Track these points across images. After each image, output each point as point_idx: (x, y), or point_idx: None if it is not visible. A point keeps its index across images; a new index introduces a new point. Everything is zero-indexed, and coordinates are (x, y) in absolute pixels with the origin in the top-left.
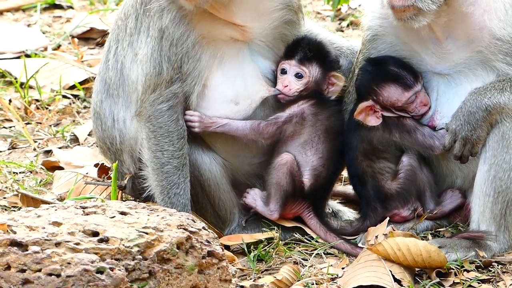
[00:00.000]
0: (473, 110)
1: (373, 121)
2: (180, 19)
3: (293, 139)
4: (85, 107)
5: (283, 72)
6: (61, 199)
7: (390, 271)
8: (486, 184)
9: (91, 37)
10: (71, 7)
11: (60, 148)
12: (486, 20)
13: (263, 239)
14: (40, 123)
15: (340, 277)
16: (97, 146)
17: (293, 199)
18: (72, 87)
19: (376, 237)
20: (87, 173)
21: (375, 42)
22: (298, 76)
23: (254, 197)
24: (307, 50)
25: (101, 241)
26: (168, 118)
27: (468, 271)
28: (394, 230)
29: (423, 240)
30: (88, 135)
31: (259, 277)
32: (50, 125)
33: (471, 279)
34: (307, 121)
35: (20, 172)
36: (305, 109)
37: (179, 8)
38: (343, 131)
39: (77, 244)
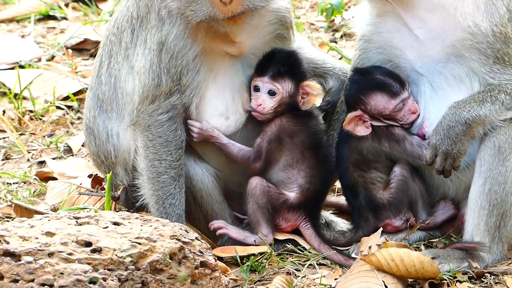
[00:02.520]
0: (452, 124)
1: (362, 131)
2: (182, 32)
3: (274, 165)
4: (78, 118)
5: (256, 89)
6: (54, 209)
7: (383, 282)
8: (481, 198)
9: (85, 48)
10: (65, 18)
11: (53, 158)
12: (458, 13)
13: (256, 253)
14: (34, 134)
15: (333, 287)
16: (88, 160)
17: (282, 214)
18: (66, 98)
19: (369, 247)
20: (80, 184)
21: (364, 49)
22: (271, 93)
23: (239, 232)
24: (279, 65)
25: (94, 251)
26: (167, 128)
27: (460, 282)
28: (387, 241)
29: (416, 250)
30: (82, 146)
31: None
32: (44, 136)
33: None
34: (285, 145)
35: (13, 183)
36: (280, 132)
37: (182, 20)
38: (326, 139)
39: (70, 254)
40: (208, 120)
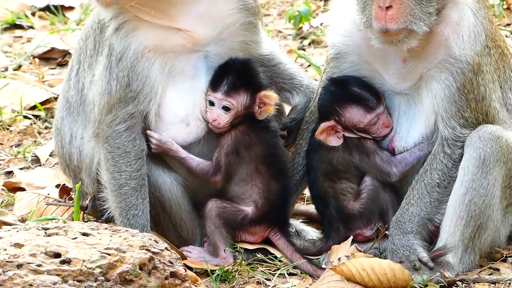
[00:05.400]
0: (404, 242)
1: (334, 141)
2: (119, 31)
3: (235, 177)
4: (46, 128)
5: (211, 103)
6: (22, 220)
7: None
8: (460, 207)
9: (52, 57)
10: (31, 27)
11: (21, 169)
12: (450, 38)
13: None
14: (1, 144)
15: None
16: (53, 168)
17: (245, 229)
18: (33, 107)
19: (339, 259)
20: (48, 194)
21: (338, 60)
22: (226, 108)
23: (200, 255)
24: (233, 79)
25: (63, 262)
26: (125, 138)
27: None
28: (358, 249)
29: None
30: (50, 155)
31: None
32: (11, 146)
33: None
34: (242, 158)
35: None
36: (237, 144)
37: (116, 18)
38: (282, 149)
39: (39, 265)
40: (169, 128)
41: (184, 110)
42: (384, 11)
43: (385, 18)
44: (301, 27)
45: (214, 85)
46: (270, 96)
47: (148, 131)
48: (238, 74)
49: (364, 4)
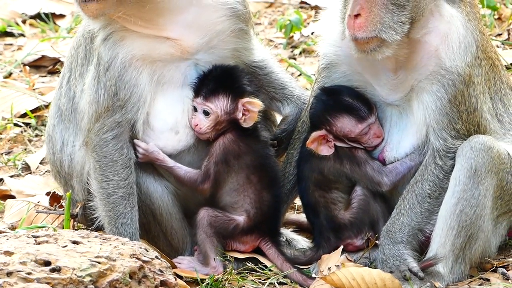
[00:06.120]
0: (394, 252)
1: (325, 150)
2: (107, 41)
3: (224, 186)
4: (36, 135)
5: (195, 109)
6: (12, 228)
7: None
8: (451, 218)
9: (43, 65)
10: (22, 35)
11: (11, 176)
12: (440, 49)
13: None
14: None
15: None
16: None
17: (237, 238)
18: (24, 115)
19: (329, 268)
20: (38, 202)
21: (329, 70)
22: (205, 113)
23: (190, 264)
24: (211, 83)
25: (53, 270)
26: (112, 147)
27: None
28: (348, 259)
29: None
30: (40, 163)
31: None
32: (2, 154)
33: None
34: (232, 167)
35: None
36: (226, 152)
37: (105, 28)
38: (273, 159)
39: (29, 273)
40: (159, 136)
41: (173, 118)
42: (353, 19)
43: (354, 26)
44: (292, 36)
45: (195, 90)
46: (254, 103)
47: (135, 140)
48: (218, 79)
49: (343, 14)
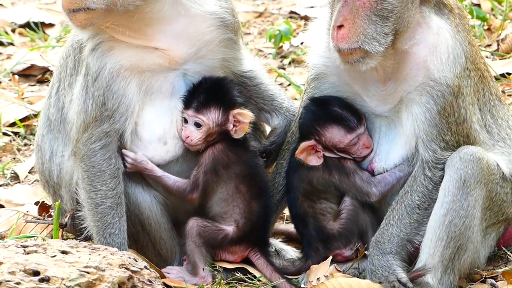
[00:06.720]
0: (383, 263)
1: (314, 161)
2: (95, 51)
3: (213, 196)
4: (25, 145)
5: (185, 121)
6: (1, 237)
7: None
8: (441, 228)
9: (32, 74)
10: (11, 44)
11: (0, 185)
12: (428, 60)
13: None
14: None
15: None
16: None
17: (226, 249)
18: (13, 124)
19: (318, 278)
20: (27, 211)
21: (318, 81)
22: (197, 125)
23: (179, 274)
24: (202, 95)
25: (42, 280)
26: (100, 157)
27: None
28: (337, 269)
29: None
30: (29, 172)
31: None
32: None
33: None
34: (221, 177)
35: None
36: (215, 162)
37: (93, 38)
38: (262, 169)
39: (18, 283)
40: (147, 147)
41: (162, 128)
42: (336, 30)
43: (337, 37)
44: (282, 46)
45: (185, 102)
46: (244, 114)
47: (123, 150)
48: (209, 91)
49: (329, 24)
